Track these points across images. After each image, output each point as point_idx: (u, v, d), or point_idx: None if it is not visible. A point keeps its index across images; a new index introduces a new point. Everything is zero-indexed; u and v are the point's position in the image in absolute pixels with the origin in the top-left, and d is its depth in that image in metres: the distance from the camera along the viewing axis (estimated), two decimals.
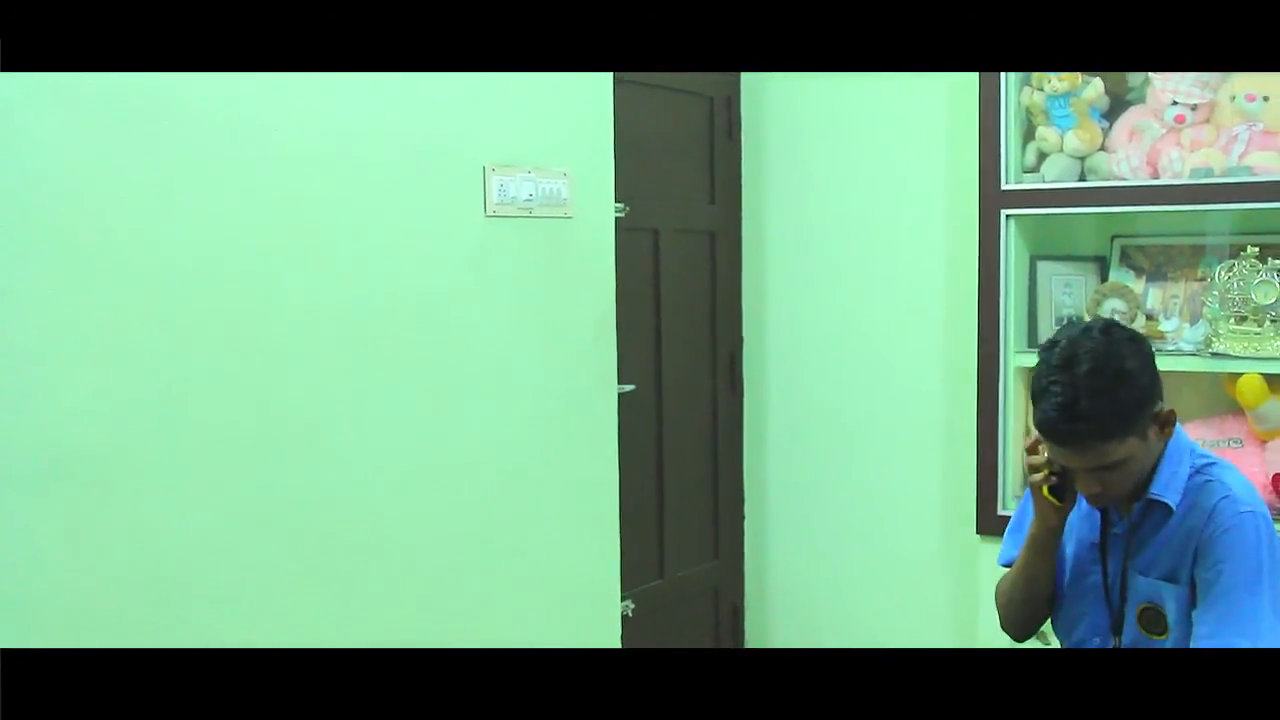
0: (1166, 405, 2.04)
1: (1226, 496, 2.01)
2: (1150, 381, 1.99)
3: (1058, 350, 1.97)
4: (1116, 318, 3.21)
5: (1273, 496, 3.08)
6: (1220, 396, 3.21)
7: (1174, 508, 2.04)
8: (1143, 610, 2.09)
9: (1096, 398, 1.92)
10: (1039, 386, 1.98)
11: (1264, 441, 3.13)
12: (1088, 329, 2.01)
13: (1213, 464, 2.08)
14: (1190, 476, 2.06)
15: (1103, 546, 2.15)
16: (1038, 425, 1.99)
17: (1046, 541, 2.15)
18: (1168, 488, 2.05)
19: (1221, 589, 1.96)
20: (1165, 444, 2.06)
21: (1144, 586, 2.09)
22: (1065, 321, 3.29)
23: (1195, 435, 3.20)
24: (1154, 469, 2.05)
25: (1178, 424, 2.09)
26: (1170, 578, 2.05)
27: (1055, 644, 2.31)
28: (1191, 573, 2.02)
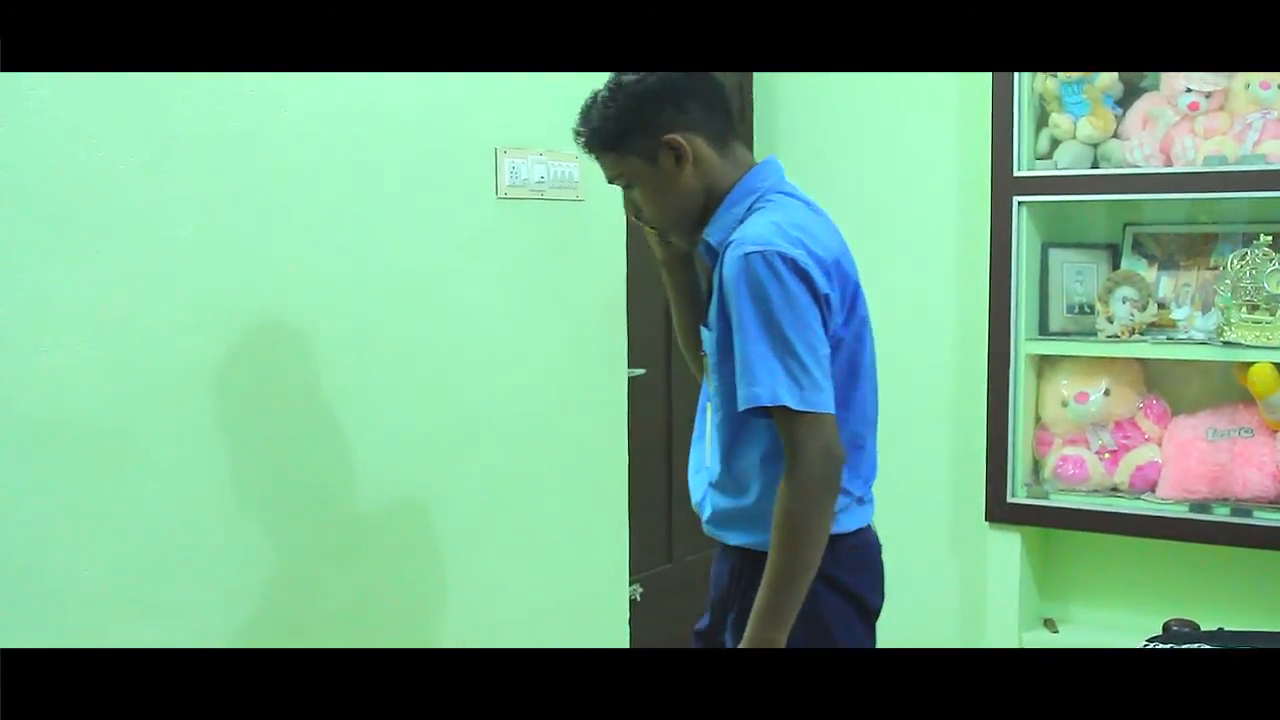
0: (685, 144, 1.94)
1: (735, 241, 1.90)
2: (661, 104, 1.94)
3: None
4: (1127, 306, 3.21)
5: None
6: (1231, 385, 3.20)
7: (716, 248, 1.96)
8: (703, 358, 2.06)
9: (600, 106, 1.96)
10: None
11: (1275, 431, 3.13)
12: None
13: (762, 207, 1.96)
14: (741, 219, 1.96)
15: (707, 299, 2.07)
16: None
17: (667, 267, 2.17)
18: (714, 227, 1.97)
19: (738, 341, 1.87)
20: (707, 182, 1.98)
21: (705, 335, 2.05)
22: (1076, 310, 3.35)
23: (1205, 424, 3.21)
24: (715, 211, 1.99)
25: (762, 164, 2.03)
26: (707, 323, 2.01)
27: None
28: (723, 321, 1.94)
